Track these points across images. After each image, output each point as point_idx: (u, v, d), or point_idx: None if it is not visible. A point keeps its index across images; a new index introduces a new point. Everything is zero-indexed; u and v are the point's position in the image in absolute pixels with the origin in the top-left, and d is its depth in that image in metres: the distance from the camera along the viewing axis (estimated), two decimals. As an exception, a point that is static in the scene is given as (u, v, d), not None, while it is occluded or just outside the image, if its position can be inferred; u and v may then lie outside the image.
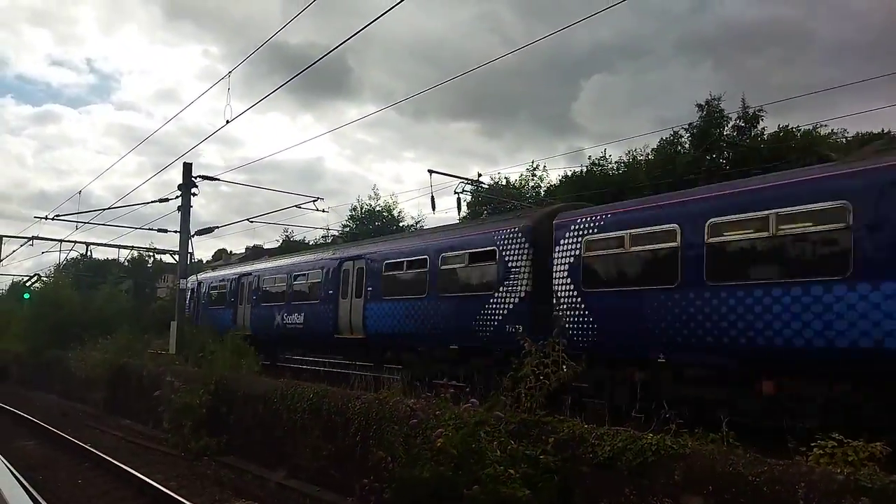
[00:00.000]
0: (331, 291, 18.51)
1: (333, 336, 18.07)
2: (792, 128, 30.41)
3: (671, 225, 10.52)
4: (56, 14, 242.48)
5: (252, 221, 27.82)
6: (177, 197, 21.60)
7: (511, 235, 13.56)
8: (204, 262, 51.36)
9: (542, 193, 37.70)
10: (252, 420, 13.15)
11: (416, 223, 43.37)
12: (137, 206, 34.25)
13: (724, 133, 30.76)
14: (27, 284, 40.98)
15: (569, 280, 11.99)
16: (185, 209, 21.31)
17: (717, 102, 30.35)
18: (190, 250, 22.03)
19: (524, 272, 13.14)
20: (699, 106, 30.74)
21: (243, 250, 53.84)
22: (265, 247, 47.92)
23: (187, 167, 21.36)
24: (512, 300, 13.22)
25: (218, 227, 26.27)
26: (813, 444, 5.69)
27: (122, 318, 26.51)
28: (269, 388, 13.05)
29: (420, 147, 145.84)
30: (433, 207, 24.31)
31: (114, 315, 27.26)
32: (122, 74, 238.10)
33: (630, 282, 11.14)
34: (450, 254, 14.96)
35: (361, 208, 45.70)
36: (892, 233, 8.12)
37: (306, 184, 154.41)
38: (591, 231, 11.80)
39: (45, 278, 37.74)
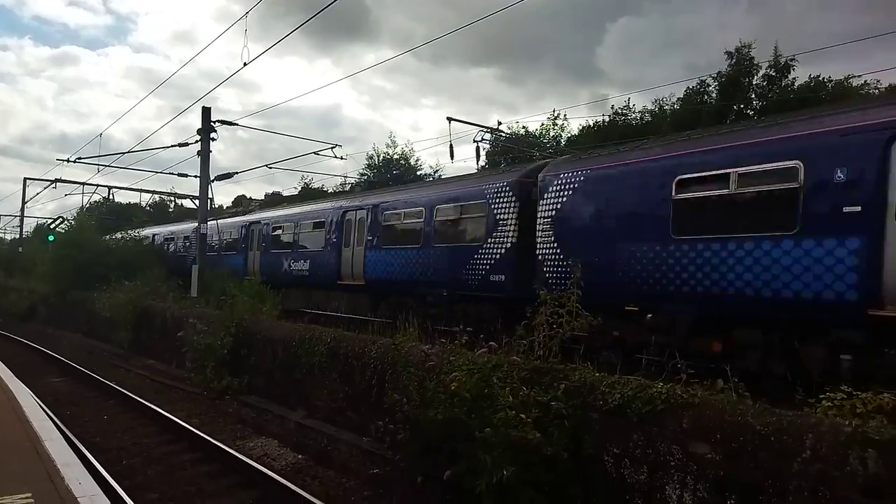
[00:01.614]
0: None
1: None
2: (824, 78, 29.53)
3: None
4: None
5: (271, 167, 28.10)
6: (196, 142, 21.66)
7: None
8: (224, 207, 51.74)
9: (563, 143, 37.20)
10: (272, 362, 13.47)
11: (434, 172, 43.11)
12: (158, 151, 34.94)
13: (753, 83, 29.93)
14: (51, 226, 41.78)
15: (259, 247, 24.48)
16: (204, 154, 21.39)
17: (747, 50, 29.46)
18: (210, 196, 22.19)
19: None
20: (728, 54, 29.88)
21: (262, 196, 54.13)
22: (283, 193, 48.12)
23: (206, 112, 21.34)
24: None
25: (237, 173, 26.46)
26: (822, 396, 5.73)
27: (145, 260, 26.93)
28: (288, 331, 13.32)
29: (439, 94, 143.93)
30: (451, 156, 24.18)
31: (137, 257, 27.68)
32: (139, 15, 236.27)
33: (224, 249, 26.16)
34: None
35: (378, 156, 45.44)
36: None
37: (324, 130, 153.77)
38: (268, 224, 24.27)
39: (69, 220, 38.35)
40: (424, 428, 7.40)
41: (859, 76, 28.91)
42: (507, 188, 13.84)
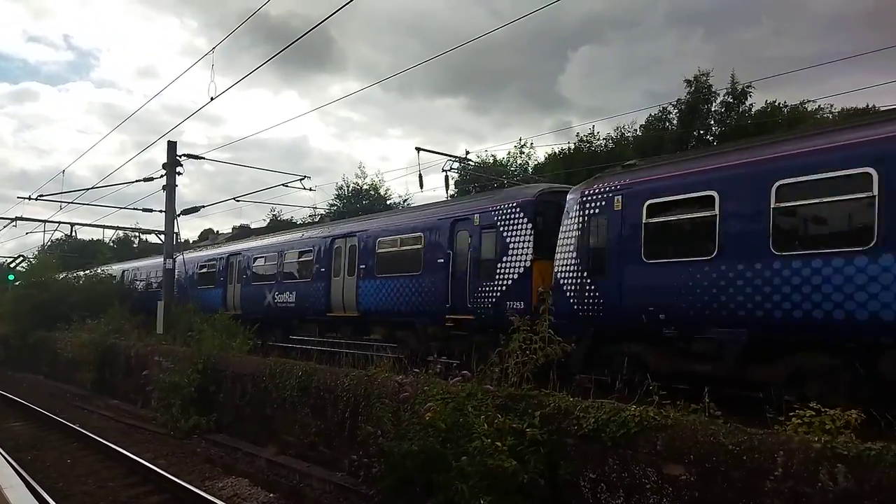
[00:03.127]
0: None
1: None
2: (779, 103, 30.57)
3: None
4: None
5: (238, 200, 27.79)
6: (161, 176, 21.41)
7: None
8: (190, 241, 51.09)
9: (531, 171, 37.68)
10: (241, 398, 13.20)
11: (404, 201, 43.28)
12: (121, 186, 33.50)
13: (712, 109, 30.83)
14: (11, 265, 40.59)
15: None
16: (169, 188, 21.14)
17: (705, 78, 30.38)
18: (176, 230, 21.87)
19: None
20: (688, 81, 30.77)
21: (230, 230, 53.53)
22: (252, 226, 47.67)
23: (171, 146, 21.16)
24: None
25: (204, 207, 26.18)
26: (791, 414, 5.81)
27: (108, 298, 26.34)
28: (258, 366, 13.09)
29: (406, 124, 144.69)
30: (421, 186, 24.38)
31: (100, 296, 27.05)
32: (101, 51, 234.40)
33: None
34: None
35: (348, 187, 45.50)
36: None
37: (292, 162, 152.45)
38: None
39: (30, 259, 37.34)
40: (399, 460, 7.30)
41: (814, 101, 30.04)
42: (225, 257, 24.84)
